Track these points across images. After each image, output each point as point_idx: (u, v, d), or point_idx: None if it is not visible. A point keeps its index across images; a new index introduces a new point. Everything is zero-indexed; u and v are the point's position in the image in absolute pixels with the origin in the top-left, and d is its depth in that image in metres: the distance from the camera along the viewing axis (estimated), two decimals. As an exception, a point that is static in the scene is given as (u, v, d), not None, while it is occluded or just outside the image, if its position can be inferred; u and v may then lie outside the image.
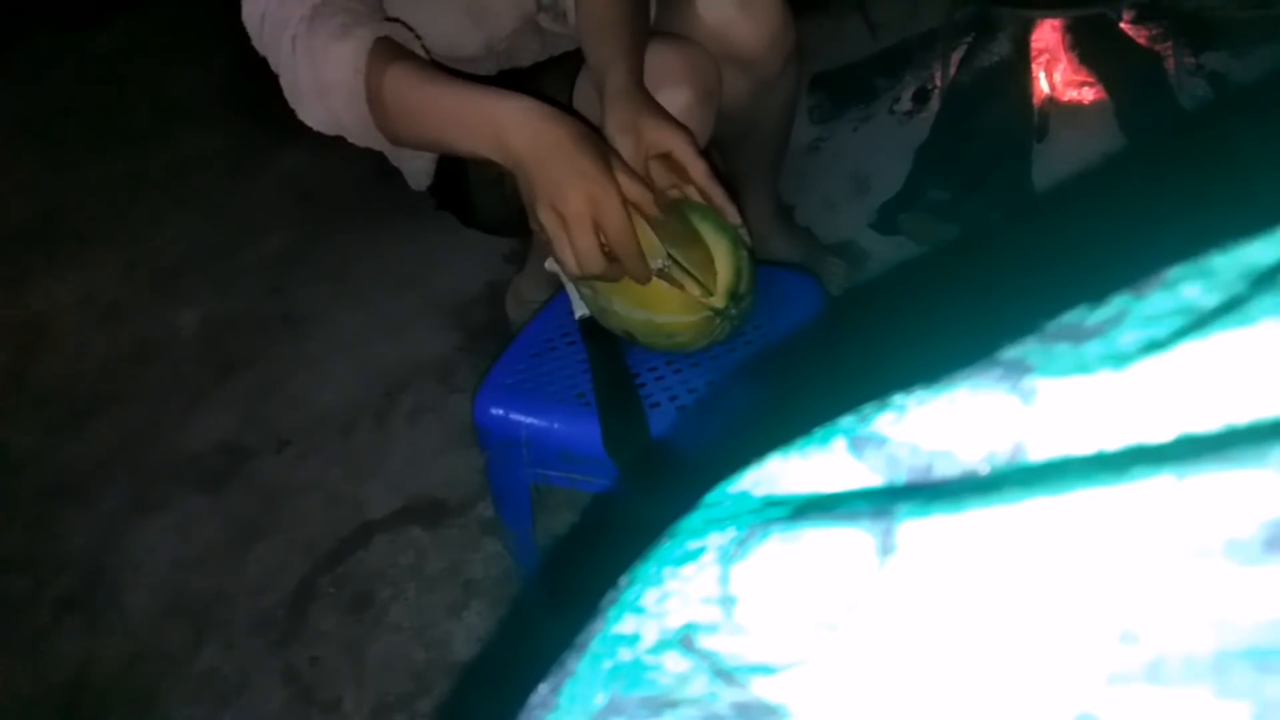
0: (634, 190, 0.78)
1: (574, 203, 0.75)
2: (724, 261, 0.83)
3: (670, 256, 0.81)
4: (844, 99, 1.73)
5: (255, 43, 0.87)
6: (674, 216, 0.83)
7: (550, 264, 0.99)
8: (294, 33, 0.82)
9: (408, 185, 1.11)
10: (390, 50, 0.82)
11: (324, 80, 0.81)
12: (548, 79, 1.05)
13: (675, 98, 0.92)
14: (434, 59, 0.93)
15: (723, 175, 0.88)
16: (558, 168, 0.75)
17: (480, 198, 1.11)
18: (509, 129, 0.77)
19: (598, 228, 0.76)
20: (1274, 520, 0.14)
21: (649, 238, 0.81)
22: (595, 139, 0.79)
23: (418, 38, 0.90)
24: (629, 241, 0.76)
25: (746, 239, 0.86)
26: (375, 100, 0.82)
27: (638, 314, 0.84)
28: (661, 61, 0.93)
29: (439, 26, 1.01)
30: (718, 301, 0.83)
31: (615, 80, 0.86)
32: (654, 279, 0.81)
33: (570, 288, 0.98)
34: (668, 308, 0.82)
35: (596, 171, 0.75)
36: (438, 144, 0.85)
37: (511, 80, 1.10)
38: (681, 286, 0.82)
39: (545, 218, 0.77)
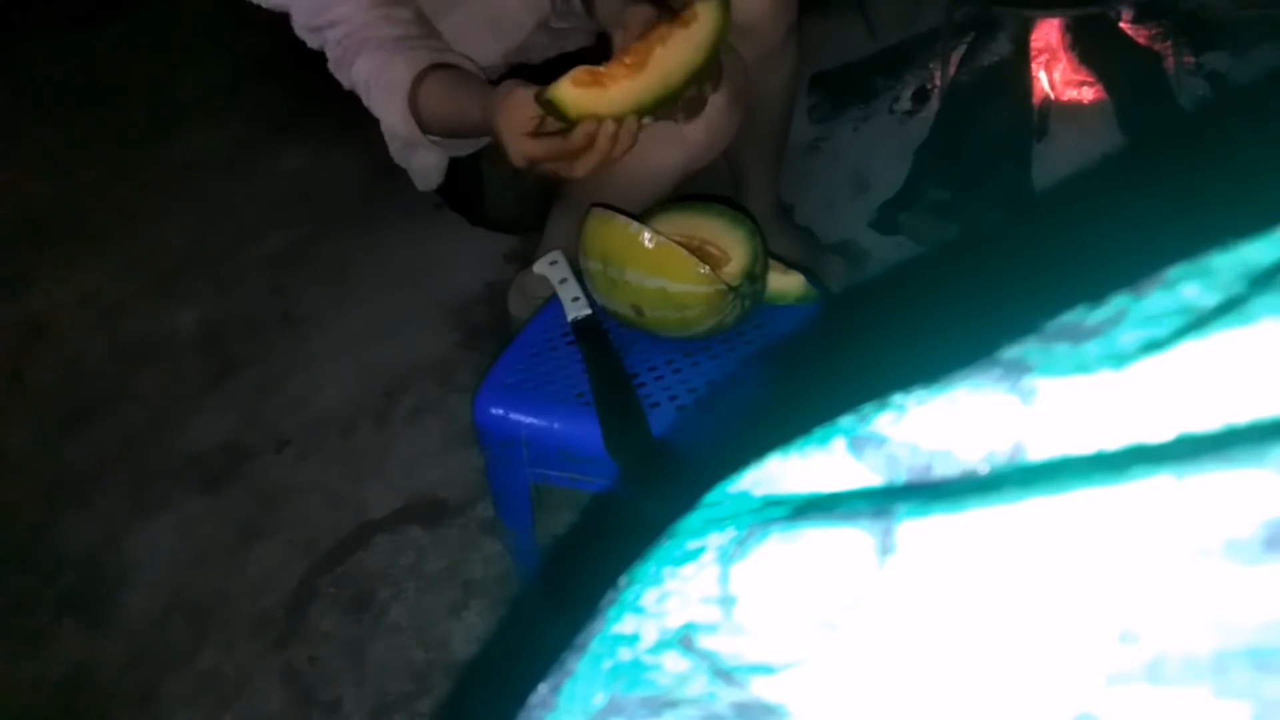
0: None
1: (504, 128, 0.83)
2: (741, 246, 0.88)
3: (643, 114, 0.82)
4: (844, 99, 1.73)
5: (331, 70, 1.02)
6: (693, 211, 0.89)
7: (540, 267, 1.00)
8: (359, 76, 0.98)
9: (407, 185, 1.11)
10: (425, 69, 0.95)
11: (382, 110, 0.98)
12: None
13: (711, 98, 0.94)
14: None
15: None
16: (497, 119, 0.84)
17: (494, 194, 1.14)
18: (490, 112, 0.87)
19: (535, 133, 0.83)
20: (1274, 520, 0.14)
21: (626, 94, 0.81)
22: (518, 87, 0.86)
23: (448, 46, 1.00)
24: (544, 97, 0.81)
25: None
26: (415, 114, 0.96)
27: (651, 282, 0.85)
28: None
29: (459, 43, 1.04)
30: (732, 278, 0.85)
31: None
32: (674, 246, 0.83)
33: (561, 292, 0.98)
34: (683, 276, 0.84)
35: (508, 98, 0.83)
36: (471, 134, 0.98)
37: (522, 75, 1.11)
38: (703, 257, 0.85)
39: (510, 155, 0.84)
